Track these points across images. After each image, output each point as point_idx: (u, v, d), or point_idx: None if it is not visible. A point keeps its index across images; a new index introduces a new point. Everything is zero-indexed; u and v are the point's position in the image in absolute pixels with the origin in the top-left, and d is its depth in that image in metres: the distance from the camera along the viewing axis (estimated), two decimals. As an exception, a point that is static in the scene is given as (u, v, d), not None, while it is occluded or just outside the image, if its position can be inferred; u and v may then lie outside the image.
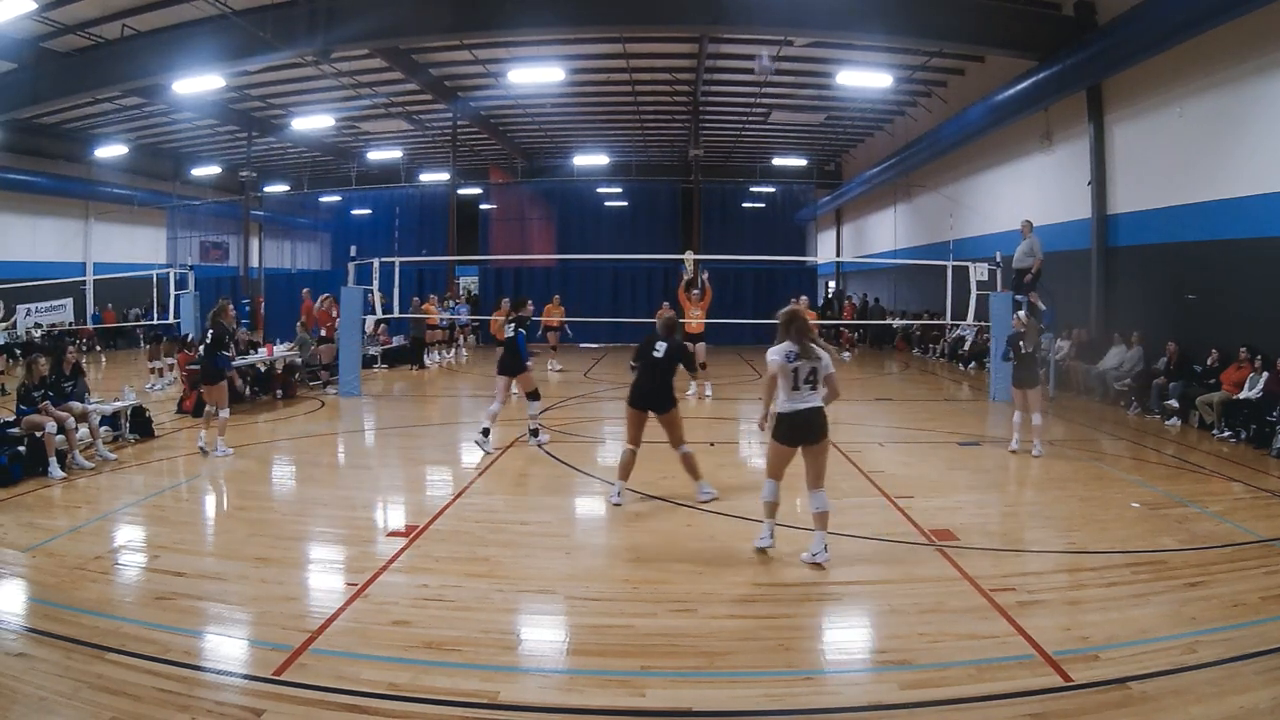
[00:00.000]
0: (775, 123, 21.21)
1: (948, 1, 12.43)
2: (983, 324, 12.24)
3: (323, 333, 13.74)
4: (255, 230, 26.62)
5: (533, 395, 8.56)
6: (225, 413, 8.10)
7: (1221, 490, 6.83)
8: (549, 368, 15.68)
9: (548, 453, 8.24)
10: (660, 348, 6.32)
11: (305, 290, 17.00)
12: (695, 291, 12.45)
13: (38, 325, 19.20)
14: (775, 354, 4.87)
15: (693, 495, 6.37)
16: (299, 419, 10.46)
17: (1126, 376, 11.36)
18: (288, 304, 19.95)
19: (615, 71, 17.55)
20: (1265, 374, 8.94)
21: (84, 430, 7.83)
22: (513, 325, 8.41)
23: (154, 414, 9.46)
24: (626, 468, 6.33)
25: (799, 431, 4.84)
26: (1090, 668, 3.57)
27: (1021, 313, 9.15)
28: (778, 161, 24.95)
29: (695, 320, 12.19)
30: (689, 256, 12.91)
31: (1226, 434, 9.09)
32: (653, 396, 6.30)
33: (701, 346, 12.11)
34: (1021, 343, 8.07)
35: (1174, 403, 10.07)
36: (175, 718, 3.16)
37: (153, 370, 13.47)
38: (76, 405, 7.83)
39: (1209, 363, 10.08)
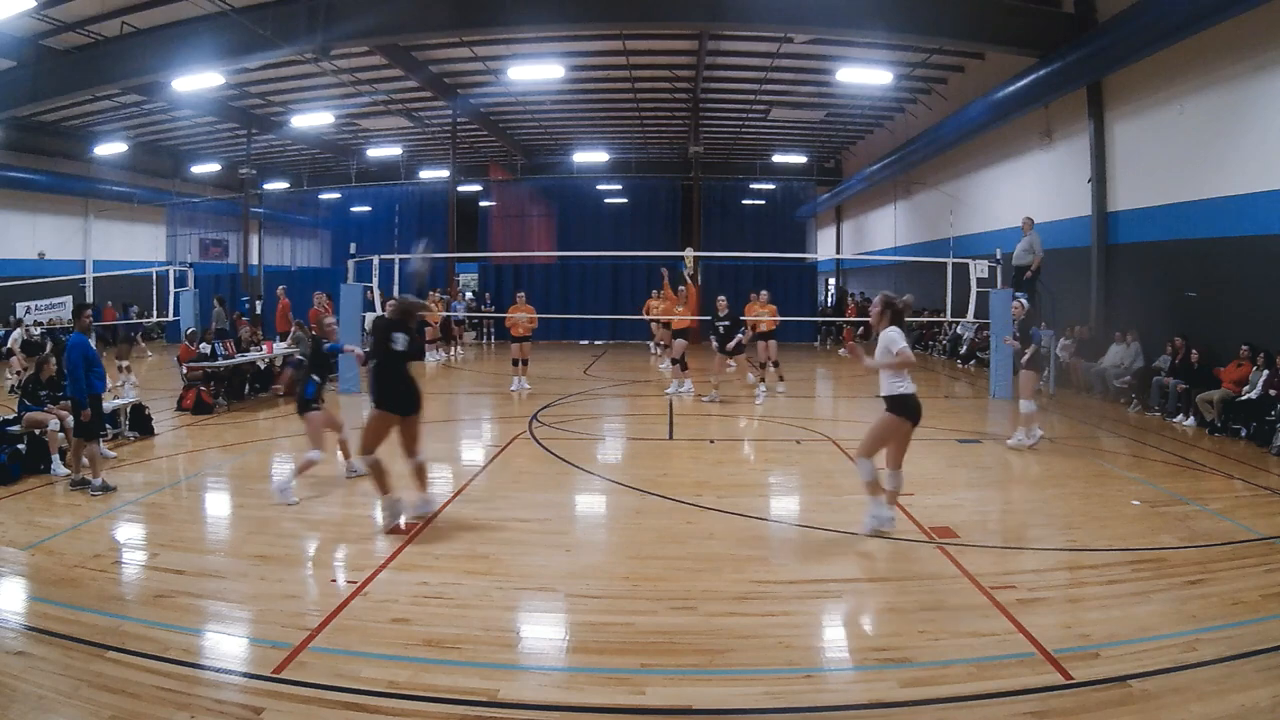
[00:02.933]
0: (775, 120, 21.19)
1: (948, -2, 12.43)
2: (983, 321, 12.24)
3: (314, 332, 13.45)
4: (255, 228, 26.62)
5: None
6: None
7: (1222, 488, 6.83)
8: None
9: (547, 449, 8.24)
10: (398, 339, 5.56)
11: (281, 289, 16.13)
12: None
13: (37, 323, 19.18)
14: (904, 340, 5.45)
15: (690, 495, 6.35)
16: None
17: (1127, 374, 11.36)
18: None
19: (615, 69, 17.54)
20: (1265, 372, 8.93)
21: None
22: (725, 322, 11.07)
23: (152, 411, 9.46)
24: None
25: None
26: (1090, 665, 3.56)
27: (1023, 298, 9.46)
28: (778, 158, 24.93)
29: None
30: (689, 253, 12.89)
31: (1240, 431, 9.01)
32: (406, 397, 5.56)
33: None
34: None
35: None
36: (175, 716, 3.16)
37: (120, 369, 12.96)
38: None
39: (1192, 360, 10.09)
